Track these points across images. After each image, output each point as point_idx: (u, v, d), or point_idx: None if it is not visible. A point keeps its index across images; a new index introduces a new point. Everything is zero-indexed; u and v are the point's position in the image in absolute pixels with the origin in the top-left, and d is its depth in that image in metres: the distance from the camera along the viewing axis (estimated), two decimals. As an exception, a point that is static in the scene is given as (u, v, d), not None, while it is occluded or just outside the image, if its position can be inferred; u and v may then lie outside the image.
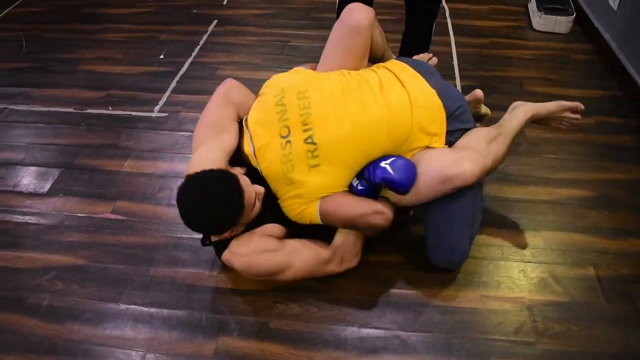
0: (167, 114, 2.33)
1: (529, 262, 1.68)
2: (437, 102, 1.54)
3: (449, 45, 2.79)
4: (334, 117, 1.45)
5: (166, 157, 2.10)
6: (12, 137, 2.25)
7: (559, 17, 2.84)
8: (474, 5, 3.16)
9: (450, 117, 1.55)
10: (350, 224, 1.50)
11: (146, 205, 1.90)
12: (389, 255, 1.71)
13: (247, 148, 1.51)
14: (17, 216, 1.88)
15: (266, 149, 1.47)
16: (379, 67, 1.63)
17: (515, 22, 3.01)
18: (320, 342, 1.47)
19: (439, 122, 1.53)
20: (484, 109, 1.95)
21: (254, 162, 1.50)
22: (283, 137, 1.45)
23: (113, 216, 1.86)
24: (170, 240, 1.76)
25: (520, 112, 1.70)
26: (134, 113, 2.35)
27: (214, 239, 1.49)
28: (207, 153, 1.49)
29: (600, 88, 2.46)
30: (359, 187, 1.50)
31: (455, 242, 1.56)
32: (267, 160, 1.47)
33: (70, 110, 2.39)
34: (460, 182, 1.42)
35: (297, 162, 1.44)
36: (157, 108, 2.38)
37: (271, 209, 1.51)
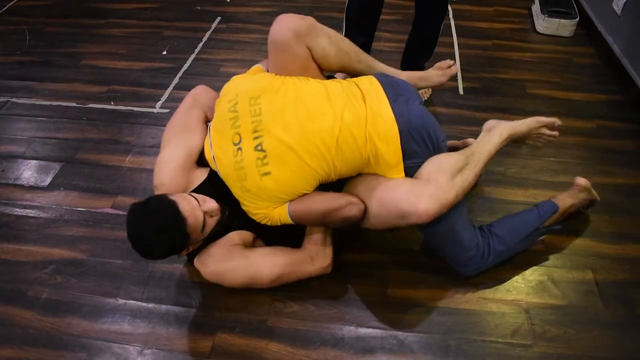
0: (168, 110, 2.33)
1: (527, 264, 1.68)
2: (393, 130, 1.44)
3: (452, 46, 2.78)
4: (283, 124, 1.40)
5: None
6: (14, 130, 2.25)
7: (562, 21, 2.84)
8: (478, 7, 3.16)
9: (406, 139, 1.46)
10: (323, 220, 1.47)
11: (146, 200, 1.90)
12: (387, 255, 1.71)
13: (208, 153, 1.50)
14: (18, 209, 1.88)
15: (222, 156, 1.45)
16: (348, 81, 1.54)
17: (518, 25, 3.00)
18: (318, 340, 1.48)
19: (392, 150, 1.45)
20: (579, 179, 1.83)
21: (213, 167, 1.49)
22: (235, 144, 1.42)
23: (113, 211, 1.86)
24: (169, 236, 1.76)
25: (495, 134, 1.59)
26: (135, 108, 2.35)
27: None
28: (173, 152, 1.53)
29: (603, 92, 2.46)
30: None
31: (456, 260, 1.57)
32: (224, 166, 1.45)
33: (73, 104, 2.39)
34: (416, 220, 1.36)
35: (248, 169, 1.41)
36: (159, 104, 2.38)
37: (237, 215, 1.49)
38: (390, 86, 1.51)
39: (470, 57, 2.70)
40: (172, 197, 1.36)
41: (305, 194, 1.46)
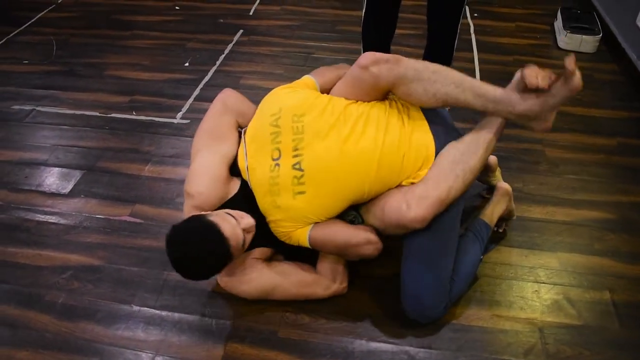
0: (189, 121, 2.37)
1: (543, 283, 1.66)
2: (430, 150, 1.45)
3: (472, 61, 2.78)
4: (325, 145, 1.40)
5: (186, 163, 2.12)
6: (38, 138, 2.31)
7: (584, 37, 2.82)
8: (500, 22, 3.15)
9: None
10: (339, 252, 1.49)
11: (164, 209, 1.93)
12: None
13: (242, 162, 1.50)
14: (39, 215, 1.93)
15: (257, 168, 1.45)
16: (391, 102, 1.53)
17: (540, 40, 2.98)
18: (328, 353, 1.48)
19: (425, 170, 1.44)
20: (501, 183, 1.83)
21: (245, 177, 1.49)
22: (274, 160, 1.43)
23: (131, 219, 1.90)
24: (184, 245, 1.78)
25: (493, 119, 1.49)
26: (156, 119, 2.40)
27: None
28: (207, 160, 1.51)
29: (625, 109, 2.43)
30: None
31: (417, 296, 1.49)
32: (257, 179, 1.45)
33: (95, 113, 2.45)
34: (412, 227, 1.38)
35: (283, 186, 1.41)
36: (179, 115, 2.42)
37: (260, 229, 1.47)
38: (430, 111, 1.52)
39: (490, 72, 2.69)
40: (212, 219, 1.34)
41: (329, 222, 1.46)
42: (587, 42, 2.83)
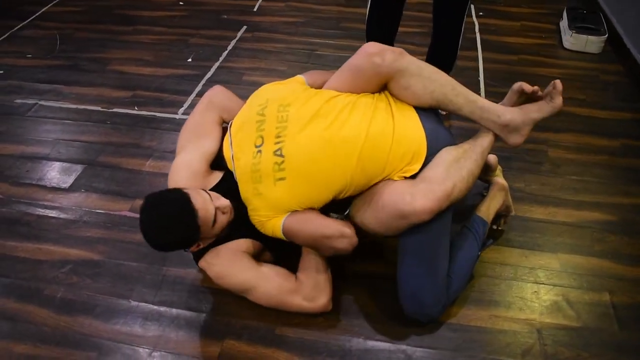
0: (190, 117, 2.37)
1: (542, 283, 1.66)
2: (422, 145, 1.44)
3: (477, 60, 2.77)
4: (307, 133, 1.40)
5: None
6: (40, 132, 2.32)
7: (590, 37, 2.80)
8: (505, 21, 3.13)
9: (429, 159, 1.45)
10: (312, 243, 1.46)
11: (164, 205, 1.93)
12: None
13: (227, 152, 1.51)
14: (40, 209, 1.93)
15: (241, 155, 1.46)
16: (379, 95, 1.51)
17: (545, 40, 2.97)
18: (325, 351, 1.48)
19: (415, 167, 1.43)
20: (497, 179, 1.83)
21: (230, 166, 1.50)
22: (256, 147, 1.43)
23: (131, 214, 1.90)
24: (184, 240, 1.79)
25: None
26: (158, 114, 2.40)
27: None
28: (187, 157, 1.57)
29: (629, 110, 2.41)
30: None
31: (415, 294, 1.47)
32: (240, 166, 1.45)
33: (98, 108, 2.45)
34: (415, 218, 1.35)
35: (264, 172, 1.41)
36: (181, 110, 2.42)
37: (247, 222, 1.49)
38: (420, 108, 1.50)
39: (495, 71, 2.68)
40: (186, 190, 1.39)
41: (306, 211, 1.44)
42: (593, 43, 2.81)
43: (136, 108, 2.44)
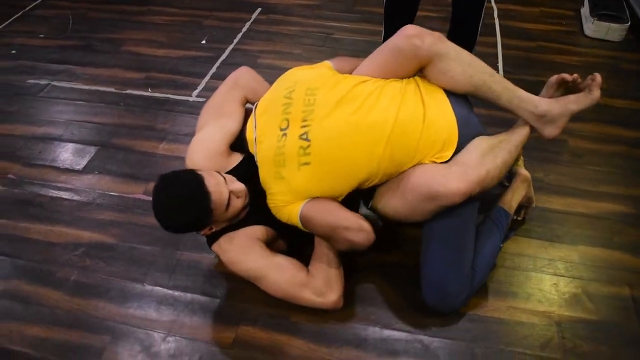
0: (204, 99, 2.31)
1: (562, 275, 1.63)
2: (453, 132, 1.40)
3: (495, 46, 2.71)
4: (333, 117, 1.37)
5: None
6: (53, 112, 2.30)
7: (612, 25, 2.73)
8: (525, 7, 3.06)
9: (461, 147, 1.42)
10: (329, 234, 1.41)
11: (178, 188, 1.91)
12: (416, 257, 1.65)
13: (250, 134, 1.48)
14: (53, 191, 1.92)
15: (264, 138, 1.43)
16: (409, 80, 1.48)
17: (566, 27, 2.90)
18: (341, 340, 1.46)
19: (447, 152, 1.40)
20: (521, 169, 1.79)
21: (252, 149, 1.47)
22: (281, 130, 1.40)
23: (144, 197, 1.88)
24: (197, 225, 1.76)
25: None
26: (172, 96, 2.37)
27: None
28: (207, 135, 1.52)
29: (650, 100, 2.36)
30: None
31: (440, 282, 1.45)
32: (263, 149, 1.43)
33: (111, 89, 2.43)
34: (446, 200, 1.32)
35: (288, 156, 1.38)
36: (195, 93, 2.40)
37: (263, 209, 1.46)
38: (451, 93, 1.47)
39: (513, 58, 2.63)
40: (199, 172, 1.37)
41: (325, 200, 1.41)
42: (614, 31, 2.74)
43: (150, 90, 2.41)
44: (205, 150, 1.50)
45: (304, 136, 1.37)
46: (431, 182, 1.33)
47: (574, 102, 1.47)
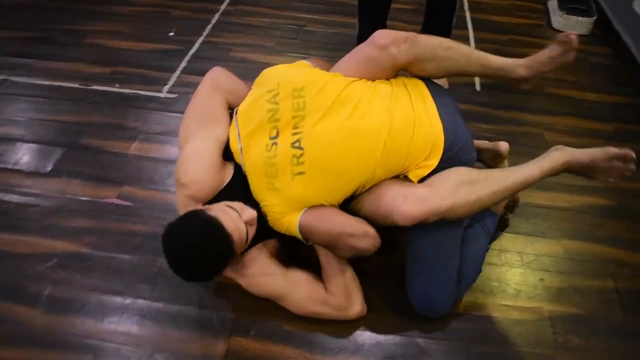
0: (176, 95, 2.24)
1: (548, 271, 1.64)
2: (439, 138, 1.36)
3: (468, 40, 2.71)
4: (327, 123, 1.31)
5: (176, 140, 1.91)
6: (12, 111, 2.14)
7: (580, 18, 2.78)
8: (495, 0, 3.08)
9: (447, 154, 1.37)
10: (332, 242, 1.34)
11: (154, 191, 1.81)
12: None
13: (234, 144, 1.39)
14: (17, 196, 1.78)
15: (251, 147, 1.36)
16: (397, 82, 1.45)
17: (535, 20, 2.94)
18: (337, 346, 1.42)
19: (433, 160, 1.36)
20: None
21: (238, 159, 1.39)
22: (271, 139, 1.33)
23: (119, 201, 1.77)
24: (179, 230, 1.68)
25: (548, 158, 1.39)
26: (142, 92, 2.25)
27: None
28: (200, 146, 1.39)
29: (620, 94, 2.41)
30: None
31: (425, 292, 1.42)
32: (251, 160, 1.35)
33: (75, 85, 2.28)
34: (398, 220, 1.26)
35: (280, 166, 1.32)
36: (166, 88, 2.28)
37: (261, 219, 1.38)
38: (435, 91, 1.44)
39: (487, 51, 2.61)
40: (212, 213, 1.24)
41: (324, 207, 1.35)
42: (582, 24, 2.80)
43: (117, 85, 2.28)
44: (201, 164, 1.37)
45: (297, 144, 1.31)
46: (391, 200, 1.28)
47: (548, 64, 1.49)
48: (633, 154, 1.36)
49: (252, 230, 1.32)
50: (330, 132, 1.31)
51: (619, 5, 2.76)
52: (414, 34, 1.38)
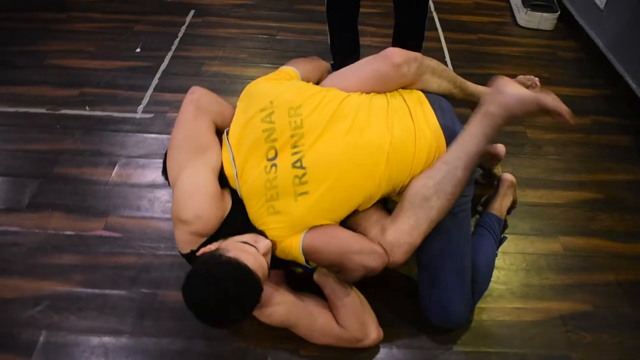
0: (152, 115, 2.12)
1: (552, 269, 1.65)
2: (441, 146, 1.34)
3: (439, 40, 2.72)
4: (328, 139, 1.27)
5: (158, 163, 1.87)
6: (-25, 142, 1.98)
7: (544, 14, 2.83)
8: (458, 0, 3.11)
9: None
10: (338, 261, 1.27)
11: (142, 219, 1.71)
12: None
13: (229, 169, 1.32)
14: (-6, 236, 1.64)
15: (248, 171, 1.29)
16: (393, 94, 1.43)
17: (500, 18, 2.98)
18: (357, 367, 1.37)
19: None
20: (506, 175, 1.81)
21: (234, 184, 1.32)
22: (269, 160, 1.27)
23: (107, 233, 1.66)
24: (175, 259, 1.57)
25: (487, 117, 1.35)
26: (115, 114, 2.13)
27: None
28: (200, 177, 1.29)
29: (592, 87, 2.47)
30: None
31: (441, 305, 1.40)
32: (249, 185, 1.29)
33: (42, 110, 2.13)
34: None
35: (282, 189, 1.26)
36: (140, 108, 2.16)
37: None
38: (432, 100, 1.43)
39: (458, 51, 2.65)
40: (231, 255, 1.15)
41: (327, 225, 1.29)
42: (546, 20, 2.85)
43: (87, 108, 2.14)
44: (202, 198, 1.27)
45: (298, 164, 1.26)
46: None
47: (520, 110, 1.36)
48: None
49: (268, 259, 1.24)
50: (332, 149, 1.27)
51: (579, 0, 2.83)
52: (421, 55, 1.44)
